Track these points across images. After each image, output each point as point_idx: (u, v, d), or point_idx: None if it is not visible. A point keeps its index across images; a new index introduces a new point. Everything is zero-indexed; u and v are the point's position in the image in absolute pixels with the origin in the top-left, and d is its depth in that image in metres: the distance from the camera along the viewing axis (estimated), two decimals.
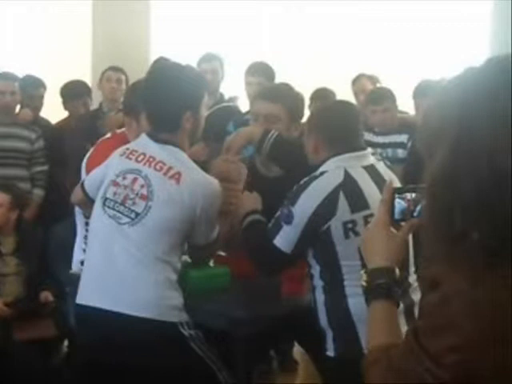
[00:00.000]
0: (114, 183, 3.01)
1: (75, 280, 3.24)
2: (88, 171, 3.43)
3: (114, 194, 2.99)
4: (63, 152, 5.38)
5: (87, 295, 2.99)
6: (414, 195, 1.64)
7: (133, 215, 2.93)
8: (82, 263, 3.48)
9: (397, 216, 1.65)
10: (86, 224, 3.53)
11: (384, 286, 1.55)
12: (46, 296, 4.34)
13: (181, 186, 2.93)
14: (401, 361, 1.27)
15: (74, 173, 3.96)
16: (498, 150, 1.12)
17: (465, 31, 8.56)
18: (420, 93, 5.20)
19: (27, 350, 4.07)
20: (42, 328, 4.29)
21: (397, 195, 1.65)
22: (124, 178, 3.00)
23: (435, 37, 8.60)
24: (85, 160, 3.60)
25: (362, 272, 1.63)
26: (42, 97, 5.76)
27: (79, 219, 3.65)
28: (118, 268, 2.90)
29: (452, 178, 1.16)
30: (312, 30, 8.62)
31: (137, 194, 2.95)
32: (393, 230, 1.64)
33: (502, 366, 1.15)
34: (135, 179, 2.98)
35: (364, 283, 1.60)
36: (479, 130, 1.14)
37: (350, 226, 2.67)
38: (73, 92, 5.69)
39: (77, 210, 3.63)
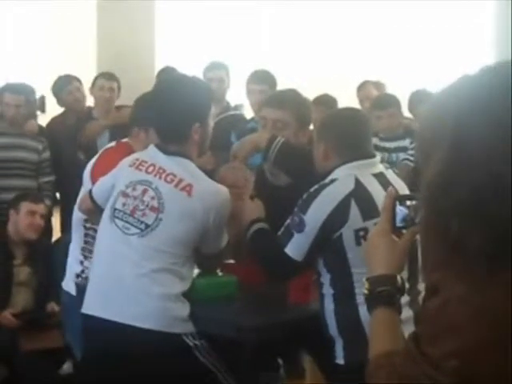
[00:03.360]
0: (124, 194, 3.01)
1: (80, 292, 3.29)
2: (94, 180, 3.41)
3: (124, 204, 2.99)
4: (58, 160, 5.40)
5: (92, 305, 2.99)
6: (414, 202, 1.64)
7: (142, 226, 2.93)
8: (78, 276, 3.51)
9: (398, 223, 1.64)
10: (85, 236, 3.55)
11: (385, 294, 1.55)
12: (52, 306, 4.35)
13: (192, 197, 2.94)
14: (402, 368, 1.27)
15: (68, 181, 3.95)
16: (496, 157, 1.13)
17: (468, 35, 8.56)
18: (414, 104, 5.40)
19: (35, 361, 4.08)
20: (50, 338, 4.30)
21: (398, 202, 1.65)
22: (134, 189, 3.00)
23: (439, 42, 8.60)
24: (89, 169, 3.58)
25: (364, 280, 1.63)
26: (36, 102, 5.77)
27: (77, 231, 3.63)
28: (123, 279, 2.91)
29: (448, 186, 1.17)
30: (315, 36, 8.63)
31: (147, 206, 2.95)
32: (394, 237, 1.64)
33: (503, 372, 1.15)
34: (145, 190, 2.98)
35: (366, 291, 1.60)
36: (476, 139, 1.15)
37: (361, 233, 2.66)
38: (62, 80, 5.71)
39: (74, 221, 3.61)
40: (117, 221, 2.98)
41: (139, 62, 6.81)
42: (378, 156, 2.97)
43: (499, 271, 1.15)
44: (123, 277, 2.91)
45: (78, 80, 5.78)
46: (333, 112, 3.55)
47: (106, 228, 3.04)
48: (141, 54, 7.10)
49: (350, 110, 3.23)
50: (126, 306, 2.87)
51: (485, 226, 1.14)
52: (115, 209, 3.01)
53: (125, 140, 3.69)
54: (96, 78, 5.81)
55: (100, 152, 3.70)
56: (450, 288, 1.19)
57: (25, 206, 4.47)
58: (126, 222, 2.96)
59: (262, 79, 5.43)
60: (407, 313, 2.37)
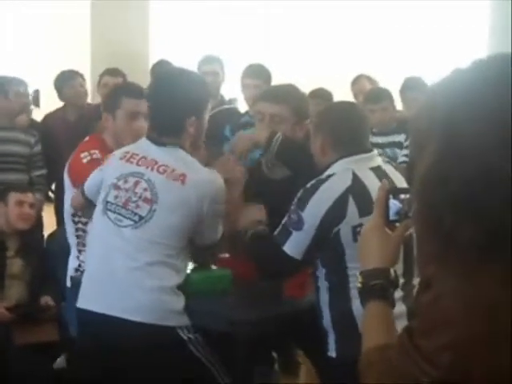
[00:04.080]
0: (115, 186, 3.00)
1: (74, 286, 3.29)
2: (71, 175, 3.52)
3: (116, 197, 2.98)
4: (54, 155, 5.38)
5: (87, 299, 2.99)
6: (408, 196, 1.64)
7: (136, 218, 2.91)
8: (76, 271, 3.52)
9: (392, 217, 1.65)
10: (76, 230, 3.59)
11: (379, 287, 1.56)
12: (47, 300, 4.34)
13: (186, 186, 2.92)
14: (396, 362, 1.27)
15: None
16: (488, 150, 1.13)
17: (463, 29, 8.56)
18: (405, 90, 5.39)
19: (28, 355, 4.07)
20: (44, 332, 4.29)
21: (391, 196, 1.65)
22: (125, 182, 2.99)
23: (435, 37, 8.59)
24: (67, 164, 3.65)
25: (358, 273, 1.63)
26: (29, 96, 5.77)
27: (69, 226, 3.66)
28: (116, 272, 2.90)
29: (441, 178, 1.17)
30: (310, 31, 8.62)
31: (140, 197, 2.93)
32: (388, 231, 1.64)
33: (496, 365, 1.15)
34: (137, 182, 2.97)
35: (359, 285, 1.60)
36: (468, 131, 1.15)
37: (358, 229, 2.61)
38: (66, 75, 5.72)
39: (65, 216, 3.65)
40: (109, 213, 2.97)
41: (133, 58, 6.80)
42: (375, 151, 2.95)
43: (491, 263, 1.15)
44: (116, 270, 2.90)
45: (82, 76, 5.78)
46: (329, 106, 3.53)
47: (98, 221, 3.03)
48: (135, 49, 7.09)
49: (346, 104, 3.21)
50: (118, 300, 2.86)
51: (477, 219, 1.14)
52: (107, 201, 2.99)
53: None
54: (101, 75, 5.79)
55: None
56: (443, 281, 1.20)
57: (12, 197, 4.47)
58: (119, 214, 2.95)
59: (256, 74, 5.44)
60: (400, 308, 2.37)
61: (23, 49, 7.46)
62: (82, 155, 3.52)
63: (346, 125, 2.85)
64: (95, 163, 3.38)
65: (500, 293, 1.15)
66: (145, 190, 2.94)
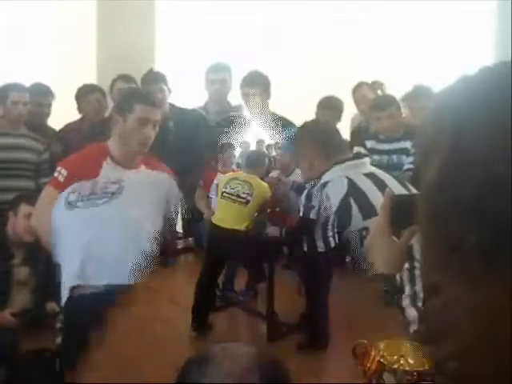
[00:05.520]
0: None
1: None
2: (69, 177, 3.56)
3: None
4: None
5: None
6: (413, 202, 1.64)
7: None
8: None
9: (397, 223, 1.65)
10: None
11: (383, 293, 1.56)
12: (52, 306, 4.35)
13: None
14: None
15: None
16: (496, 158, 1.13)
17: (469, 34, 8.56)
18: (411, 97, 5.39)
19: (34, 360, 4.08)
20: (50, 338, 4.30)
21: (396, 202, 1.65)
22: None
23: (440, 43, 8.60)
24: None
25: None
26: (49, 105, 5.80)
27: None
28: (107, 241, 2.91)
29: (448, 186, 1.17)
30: (315, 38, 8.63)
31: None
32: (393, 237, 1.64)
33: (504, 373, 1.15)
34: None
35: None
36: (475, 138, 1.15)
37: (364, 233, 2.63)
38: (85, 89, 5.79)
39: None
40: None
41: (139, 65, 6.80)
42: (367, 158, 2.96)
43: (498, 271, 1.15)
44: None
45: (101, 91, 5.81)
46: (306, 123, 3.57)
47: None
48: (141, 56, 7.10)
49: (322, 122, 3.27)
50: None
51: (484, 226, 1.14)
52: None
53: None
54: (114, 81, 5.81)
55: None
56: (450, 288, 1.19)
57: (23, 209, 4.47)
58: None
59: (254, 82, 5.42)
60: (412, 313, 2.36)
61: (28, 57, 7.47)
62: (57, 169, 3.61)
63: (330, 134, 2.88)
64: (54, 183, 3.49)
65: (506, 300, 1.15)
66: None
